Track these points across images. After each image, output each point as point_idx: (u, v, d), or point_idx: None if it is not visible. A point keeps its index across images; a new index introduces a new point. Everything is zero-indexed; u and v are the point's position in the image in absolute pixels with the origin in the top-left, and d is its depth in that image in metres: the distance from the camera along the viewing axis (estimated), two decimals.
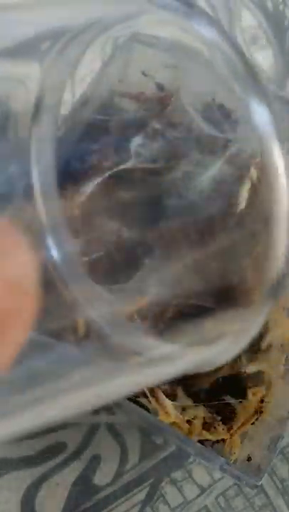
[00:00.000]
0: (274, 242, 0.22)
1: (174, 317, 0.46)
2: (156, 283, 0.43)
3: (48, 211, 0.20)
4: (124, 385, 0.24)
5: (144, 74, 0.48)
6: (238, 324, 0.41)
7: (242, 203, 0.43)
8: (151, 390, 0.41)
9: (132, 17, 0.24)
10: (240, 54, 0.22)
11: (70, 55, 0.22)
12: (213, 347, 0.25)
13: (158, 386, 0.42)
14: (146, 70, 0.47)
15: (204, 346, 0.24)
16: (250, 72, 0.23)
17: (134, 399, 0.41)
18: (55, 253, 0.21)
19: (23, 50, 0.21)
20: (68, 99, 0.60)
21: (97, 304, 0.35)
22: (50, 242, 0.20)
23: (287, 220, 0.22)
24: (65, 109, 0.59)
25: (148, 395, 0.41)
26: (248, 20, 0.66)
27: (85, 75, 0.61)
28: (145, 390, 0.41)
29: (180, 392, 0.44)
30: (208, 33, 0.22)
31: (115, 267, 0.46)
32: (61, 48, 0.22)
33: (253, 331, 0.25)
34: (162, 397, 0.41)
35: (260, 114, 0.23)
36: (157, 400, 0.41)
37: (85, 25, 0.22)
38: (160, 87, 0.48)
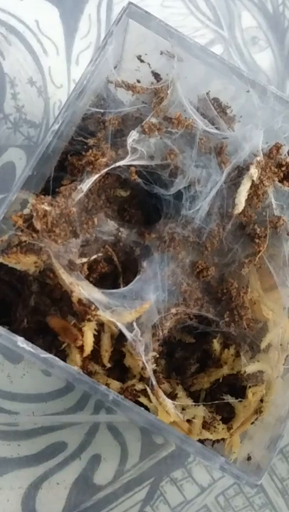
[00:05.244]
0: None
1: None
2: (155, 288, 0.43)
3: None
4: None
5: (139, 59, 0.47)
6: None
7: (241, 203, 0.43)
8: (152, 390, 0.42)
9: None
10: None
11: None
12: None
13: (158, 385, 0.42)
14: (142, 55, 0.47)
15: None
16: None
17: (135, 398, 0.42)
18: None
19: None
20: (65, 85, 0.60)
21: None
22: None
23: None
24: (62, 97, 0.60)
25: (149, 394, 0.42)
26: (248, 21, 0.66)
27: (80, 51, 0.61)
28: (147, 388, 0.42)
29: (180, 391, 0.44)
30: None
31: (114, 269, 0.46)
32: None
33: None
34: (162, 396, 0.42)
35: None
36: (158, 399, 0.41)
37: None
38: (156, 77, 0.47)
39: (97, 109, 0.46)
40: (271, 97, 0.45)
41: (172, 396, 0.43)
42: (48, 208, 0.40)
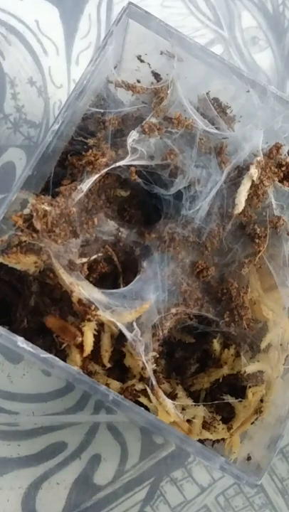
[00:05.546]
0: None
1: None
2: (155, 288, 0.43)
3: None
4: None
5: (139, 59, 0.47)
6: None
7: (241, 203, 0.43)
8: (152, 390, 0.42)
9: None
10: None
11: None
12: None
13: (158, 385, 0.42)
14: (142, 55, 0.47)
15: None
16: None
17: (135, 398, 0.42)
18: None
19: None
20: (65, 85, 0.60)
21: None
22: None
23: None
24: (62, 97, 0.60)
25: (149, 394, 0.41)
26: (248, 21, 0.66)
27: (80, 51, 0.61)
28: (147, 388, 0.42)
29: (180, 391, 0.44)
30: None
31: (114, 269, 0.46)
32: None
33: None
34: (162, 396, 0.42)
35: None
36: (158, 399, 0.41)
37: None
38: (156, 77, 0.47)
39: (97, 109, 0.46)
40: (271, 97, 0.45)
41: (172, 396, 0.43)
42: (48, 208, 0.40)
